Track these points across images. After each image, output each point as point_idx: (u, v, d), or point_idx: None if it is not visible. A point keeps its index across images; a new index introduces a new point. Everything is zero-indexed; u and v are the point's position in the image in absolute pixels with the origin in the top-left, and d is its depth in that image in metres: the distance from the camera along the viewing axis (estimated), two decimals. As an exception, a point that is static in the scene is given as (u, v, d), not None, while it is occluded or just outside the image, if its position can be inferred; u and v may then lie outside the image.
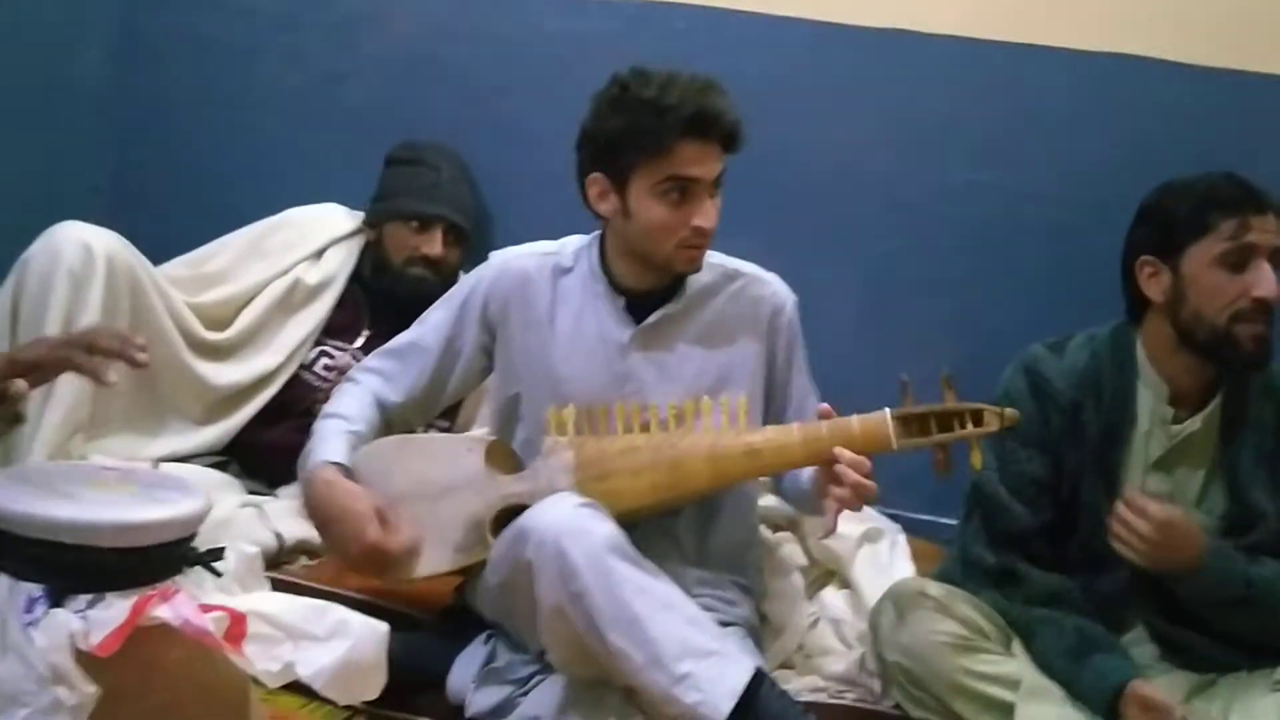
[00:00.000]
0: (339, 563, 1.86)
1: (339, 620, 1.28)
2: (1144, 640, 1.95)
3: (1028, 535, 1.93)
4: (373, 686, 1.31)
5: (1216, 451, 1.90)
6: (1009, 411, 1.70)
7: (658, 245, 1.82)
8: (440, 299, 2.02)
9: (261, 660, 1.20)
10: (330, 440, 1.87)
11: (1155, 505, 1.78)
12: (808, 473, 1.83)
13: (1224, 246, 1.80)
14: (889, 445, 1.70)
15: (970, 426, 1.70)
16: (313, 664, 1.24)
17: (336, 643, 1.26)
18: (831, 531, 1.73)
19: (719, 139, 1.79)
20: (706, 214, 1.80)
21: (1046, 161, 2.49)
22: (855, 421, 1.71)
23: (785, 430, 1.76)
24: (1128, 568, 1.91)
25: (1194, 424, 1.89)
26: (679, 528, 1.88)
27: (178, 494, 1.30)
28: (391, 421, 1.97)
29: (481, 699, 1.76)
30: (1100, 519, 1.90)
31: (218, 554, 1.30)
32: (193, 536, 1.28)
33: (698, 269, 1.87)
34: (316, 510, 1.82)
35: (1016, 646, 1.88)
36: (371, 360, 2.01)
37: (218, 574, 1.30)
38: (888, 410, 1.71)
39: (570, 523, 1.64)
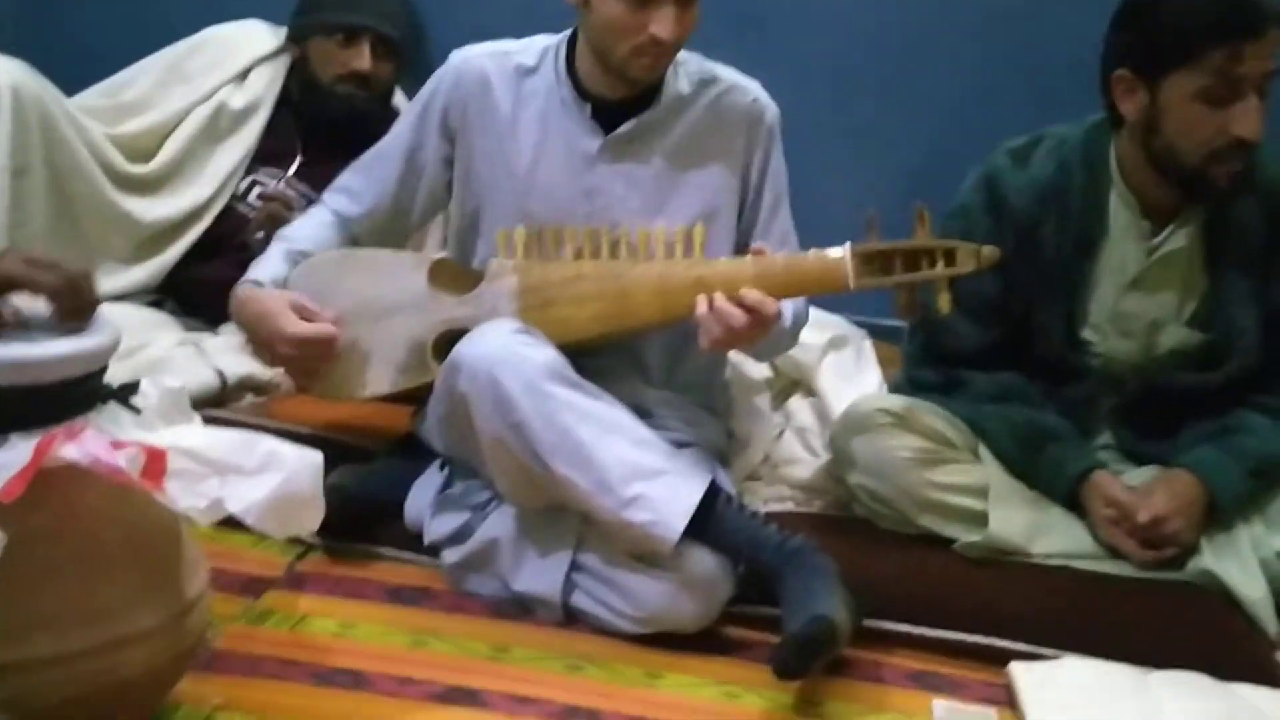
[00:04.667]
0: (289, 391, 1.79)
1: (269, 452, 1.19)
2: (1110, 448, 1.91)
3: (974, 353, 1.87)
4: (310, 519, 1.23)
5: (1201, 269, 1.82)
6: (987, 250, 1.55)
7: (612, 47, 1.66)
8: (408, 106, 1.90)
9: (186, 497, 1.13)
10: (263, 261, 1.81)
11: (1141, 514, 1.72)
12: None
13: (1209, 81, 1.64)
14: (845, 284, 1.57)
15: (941, 266, 1.55)
16: (243, 499, 1.16)
17: (268, 476, 1.18)
18: (705, 351, 1.63)
19: None
20: (665, 22, 1.62)
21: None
22: (811, 257, 1.59)
23: (738, 264, 1.63)
24: (1092, 378, 1.86)
25: (1176, 241, 1.80)
26: (647, 352, 1.80)
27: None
28: (359, 240, 1.88)
29: (439, 526, 1.72)
30: (1059, 336, 1.84)
31: (132, 388, 1.21)
32: (102, 371, 1.19)
33: (656, 76, 1.73)
34: (242, 329, 1.78)
35: (985, 451, 1.84)
36: (339, 178, 1.92)
37: (136, 410, 1.22)
38: (848, 245, 1.57)
39: (503, 350, 1.56)
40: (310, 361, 1.74)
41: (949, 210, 1.86)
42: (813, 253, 1.60)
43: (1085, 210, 1.81)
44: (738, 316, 1.54)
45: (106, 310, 1.90)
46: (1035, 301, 1.85)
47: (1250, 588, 1.70)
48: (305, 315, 1.71)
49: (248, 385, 2.08)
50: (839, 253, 1.58)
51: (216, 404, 2.01)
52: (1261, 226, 1.79)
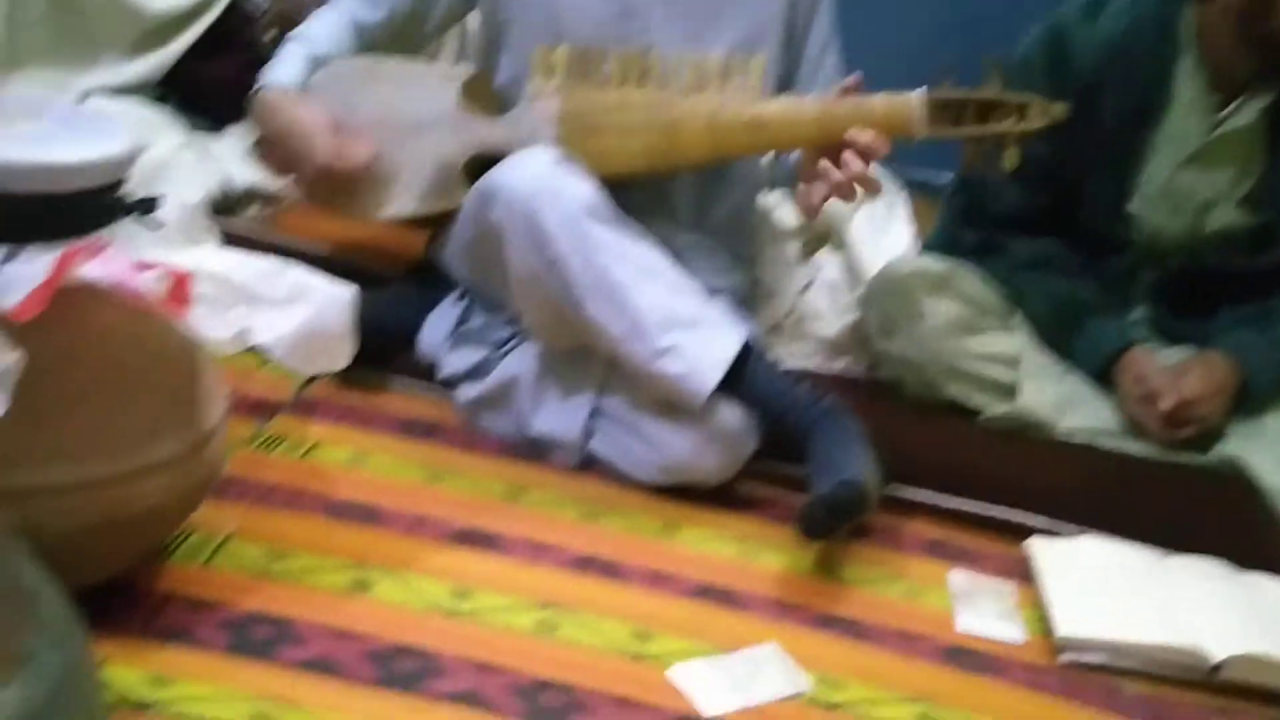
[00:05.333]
0: (299, 202, 1.70)
1: (298, 283, 1.13)
2: (1145, 324, 1.87)
3: (1017, 218, 1.81)
4: (339, 356, 1.18)
5: (1263, 148, 1.73)
6: (1058, 108, 1.49)
7: None
8: None
9: (211, 326, 1.06)
10: (284, 63, 1.69)
11: (1166, 399, 1.67)
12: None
13: None
14: (912, 132, 1.50)
15: (1013, 121, 1.49)
16: (271, 330, 1.10)
17: (297, 308, 1.12)
18: (813, 216, 1.57)
19: None
20: None
21: None
22: (879, 101, 1.51)
23: (798, 103, 1.55)
24: (1134, 253, 1.81)
25: (1244, 116, 1.71)
26: (676, 191, 1.71)
27: (102, 132, 1.11)
28: (374, 50, 1.75)
29: (455, 361, 1.66)
30: (1106, 206, 1.77)
31: (153, 203, 1.13)
32: (122, 183, 1.10)
33: None
34: (265, 135, 1.66)
35: (1019, 321, 1.79)
36: None
37: (156, 226, 1.14)
38: (921, 92, 1.50)
39: (543, 182, 1.48)
40: (337, 187, 1.64)
41: (1010, 63, 1.76)
42: (881, 96, 1.52)
43: (1151, 76, 1.72)
44: (855, 163, 1.47)
45: (107, 106, 1.82)
46: (1086, 169, 1.78)
47: (1275, 477, 1.67)
48: (340, 139, 1.61)
49: (254, 194, 1.99)
50: (911, 98, 1.50)
51: (222, 213, 1.91)
52: None
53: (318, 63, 1.69)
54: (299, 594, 1.23)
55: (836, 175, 1.49)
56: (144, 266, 1.02)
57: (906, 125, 1.49)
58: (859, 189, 1.50)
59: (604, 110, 1.58)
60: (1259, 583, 1.54)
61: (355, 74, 1.67)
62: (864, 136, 1.47)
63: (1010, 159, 1.49)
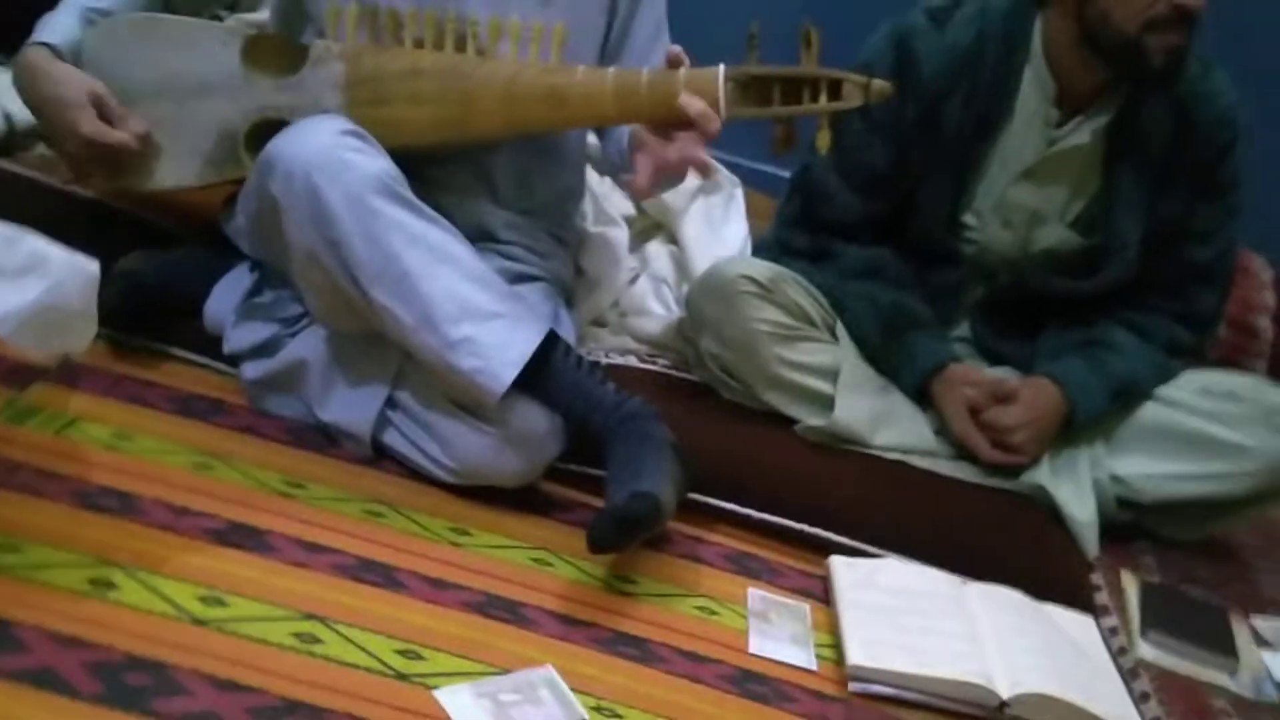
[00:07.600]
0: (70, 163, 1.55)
1: (33, 254, 0.99)
2: (967, 341, 1.86)
3: (851, 224, 1.77)
4: (79, 337, 1.05)
5: (1097, 170, 1.72)
6: (877, 83, 1.38)
7: None
8: None
9: (-78, 296, 0.93)
10: (57, 17, 1.51)
11: (1007, 416, 1.69)
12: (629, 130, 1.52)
13: None
14: (715, 113, 1.37)
15: (824, 100, 1.38)
16: (-4, 304, 0.97)
17: (30, 281, 0.99)
18: (643, 197, 1.48)
19: None
20: None
21: None
22: (681, 77, 1.39)
23: (598, 75, 1.43)
24: (963, 266, 1.79)
25: (1081, 135, 1.69)
26: (496, 165, 1.60)
27: None
28: (172, 4, 1.59)
29: (242, 335, 1.54)
30: (939, 216, 1.75)
31: None
32: None
33: None
34: (28, 104, 1.50)
35: (842, 333, 1.75)
36: None
37: None
38: (721, 68, 1.38)
39: (325, 155, 1.35)
40: (102, 164, 1.49)
41: (853, 66, 1.71)
42: (683, 72, 1.40)
43: (996, 88, 1.69)
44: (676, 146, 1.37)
45: None
46: (924, 178, 1.74)
47: (1080, 509, 1.68)
48: (106, 114, 1.45)
49: (41, 134, 1.81)
50: (712, 75, 1.39)
51: (3, 153, 1.74)
52: (1167, 138, 1.70)
53: (95, 17, 1.51)
54: (25, 593, 1.11)
55: (660, 152, 1.40)
56: None
57: (707, 103, 1.37)
58: (690, 169, 1.41)
59: (394, 77, 1.46)
60: (1054, 616, 1.54)
61: (132, 31, 1.50)
62: (695, 105, 1.36)
63: (822, 141, 1.40)
